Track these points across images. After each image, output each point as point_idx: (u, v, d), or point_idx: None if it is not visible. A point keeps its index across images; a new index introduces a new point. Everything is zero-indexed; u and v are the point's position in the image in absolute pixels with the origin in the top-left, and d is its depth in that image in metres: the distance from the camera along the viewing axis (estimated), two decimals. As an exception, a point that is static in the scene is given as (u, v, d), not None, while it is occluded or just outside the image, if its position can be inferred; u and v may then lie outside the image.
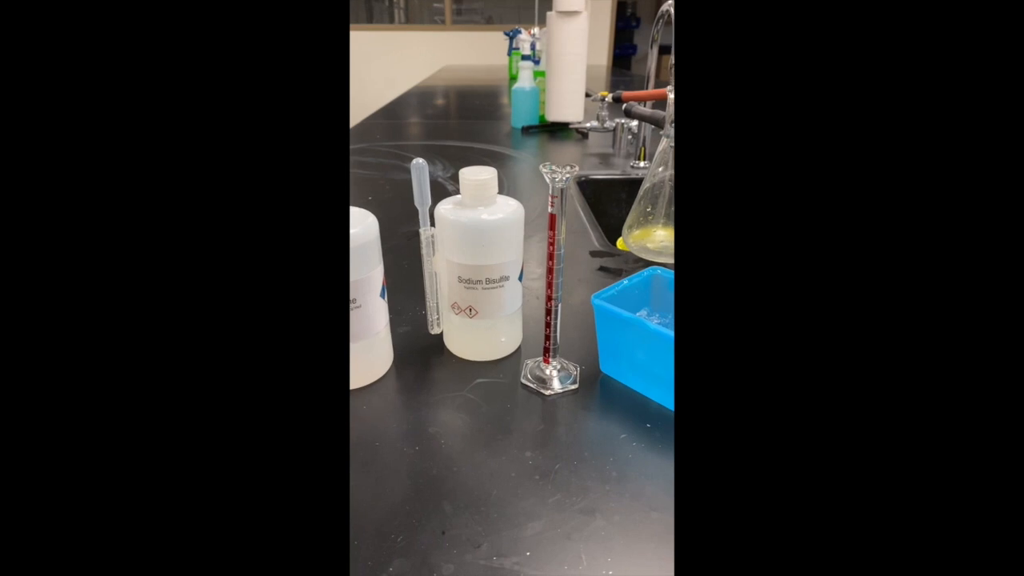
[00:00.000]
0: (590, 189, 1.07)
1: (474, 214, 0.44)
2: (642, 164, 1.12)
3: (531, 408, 0.45)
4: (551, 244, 0.42)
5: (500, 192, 0.47)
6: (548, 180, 0.40)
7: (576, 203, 0.94)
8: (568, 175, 0.39)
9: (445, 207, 0.45)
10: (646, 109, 0.93)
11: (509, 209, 0.45)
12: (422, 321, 0.55)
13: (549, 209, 0.41)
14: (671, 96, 0.62)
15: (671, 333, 0.42)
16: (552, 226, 0.42)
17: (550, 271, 0.43)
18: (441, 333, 0.52)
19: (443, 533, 0.34)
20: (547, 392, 0.46)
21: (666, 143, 0.65)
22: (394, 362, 0.50)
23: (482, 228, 0.44)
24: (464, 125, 1.59)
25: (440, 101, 1.93)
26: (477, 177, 0.44)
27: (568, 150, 1.29)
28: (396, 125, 1.59)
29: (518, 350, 0.52)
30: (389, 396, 0.46)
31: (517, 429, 0.43)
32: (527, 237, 0.57)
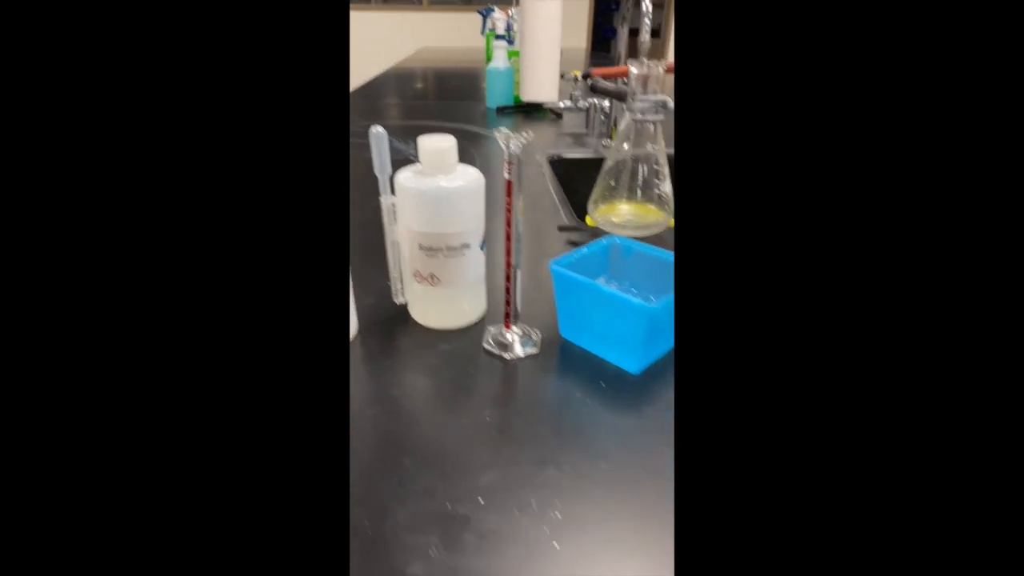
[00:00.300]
0: (562, 168, 1.08)
1: (433, 182, 0.45)
2: (613, 143, 1.13)
3: (492, 371, 0.46)
4: (508, 211, 0.43)
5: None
6: (503, 146, 0.41)
7: (548, 182, 0.95)
8: (522, 141, 0.40)
9: (404, 175, 0.46)
10: (611, 84, 0.94)
11: (469, 177, 0.46)
12: (387, 292, 0.56)
13: (505, 176, 0.42)
14: (633, 71, 0.63)
15: (624, 296, 0.43)
16: (509, 192, 0.43)
17: (508, 237, 0.44)
18: (406, 303, 0.53)
19: (400, 484, 0.35)
20: (508, 356, 0.47)
21: (629, 118, 0.67)
22: (359, 331, 0.51)
23: (441, 196, 0.45)
24: (441, 106, 1.58)
25: (419, 85, 1.91)
26: (436, 145, 0.45)
27: (542, 130, 1.30)
28: (372, 106, 1.58)
29: (483, 319, 0.53)
30: (353, 363, 0.47)
31: (477, 390, 0.44)
32: (498, 213, 0.58)
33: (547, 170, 1.01)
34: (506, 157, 0.41)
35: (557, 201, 0.86)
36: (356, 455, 0.37)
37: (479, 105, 1.55)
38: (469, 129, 1.29)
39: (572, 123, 1.35)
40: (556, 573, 0.30)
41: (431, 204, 0.45)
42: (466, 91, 1.82)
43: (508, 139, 0.40)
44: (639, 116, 0.64)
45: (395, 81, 1.96)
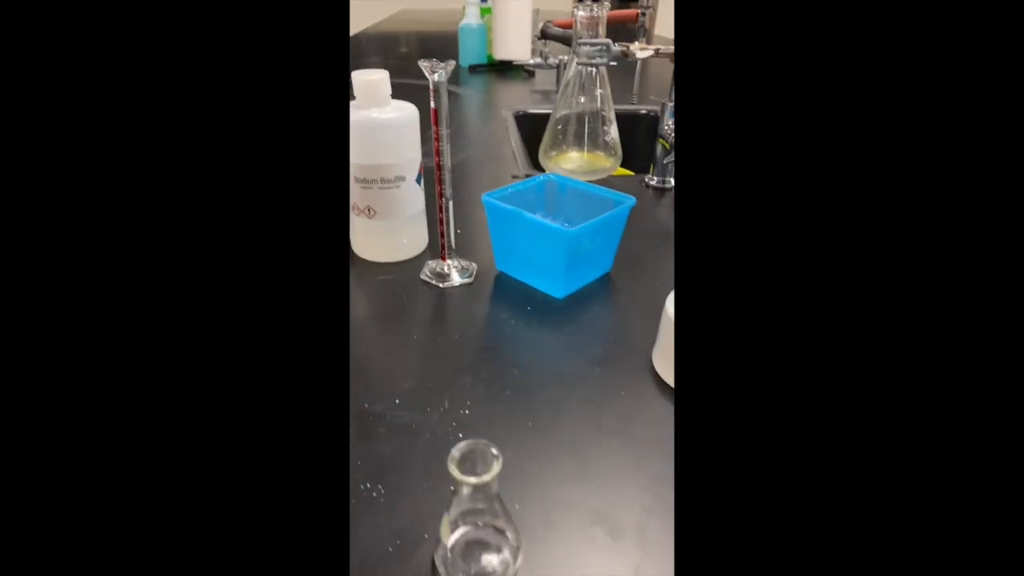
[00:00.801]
0: (527, 123, 1.08)
1: (366, 113, 0.46)
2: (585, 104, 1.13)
3: (426, 299, 0.48)
4: (436, 140, 0.45)
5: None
6: (427, 75, 0.42)
7: (511, 135, 0.95)
8: (444, 69, 0.42)
9: (339, 108, 0.47)
10: (558, 30, 0.94)
11: (402, 111, 0.47)
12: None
13: (431, 105, 0.44)
14: (579, 14, 0.63)
15: (545, 222, 0.45)
16: (435, 120, 0.44)
17: (438, 167, 0.46)
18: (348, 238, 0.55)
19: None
20: (443, 285, 0.50)
21: (574, 66, 0.67)
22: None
23: (374, 127, 0.46)
24: (414, 65, 1.57)
25: (401, 48, 1.89)
26: (368, 77, 0.46)
27: (512, 88, 1.29)
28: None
29: (423, 255, 0.55)
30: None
31: (409, 314, 0.46)
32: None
33: (512, 124, 1.02)
34: (431, 86, 0.43)
35: (516, 152, 0.87)
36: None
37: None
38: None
39: (544, 81, 1.35)
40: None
41: (364, 135, 0.46)
42: (445, 52, 1.80)
43: (433, 67, 0.42)
44: (584, 60, 0.65)
45: (377, 42, 1.93)
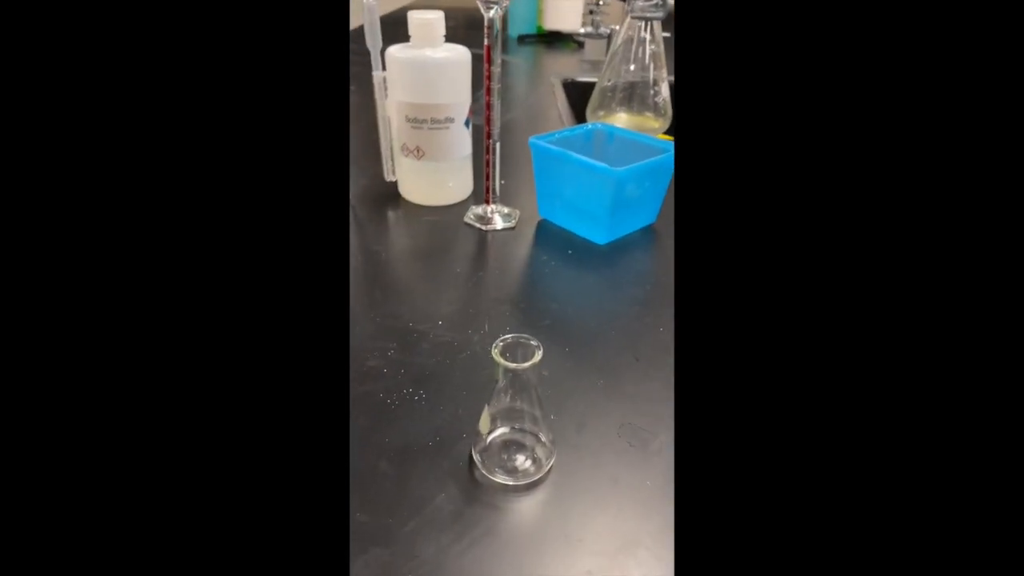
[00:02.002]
0: (575, 91, 1.07)
1: (420, 52, 0.47)
2: (636, 64, 1.11)
3: (469, 239, 0.49)
4: (487, 78, 0.45)
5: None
6: (483, 10, 0.43)
7: (558, 102, 0.95)
8: (498, 4, 0.42)
9: (395, 48, 0.48)
10: None
11: (455, 51, 0.48)
12: (381, 176, 0.59)
13: (485, 42, 0.44)
14: (636, -34, 0.62)
15: (591, 161, 0.45)
16: (487, 59, 0.45)
17: (488, 107, 0.47)
18: (396, 181, 0.56)
19: (371, 307, 0.39)
20: (485, 228, 0.51)
21: (627, 22, 0.66)
22: (351, 204, 0.54)
23: (427, 64, 0.47)
24: (463, 33, 1.57)
25: (448, 22, 1.89)
26: (424, 16, 0.47)
27: (561, 58, 1.28)
28: (396, 31, 1.58)
29: (468, 200, 0.56)
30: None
31: (452, 251, 0.48)
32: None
33: (559, 91, 1.01)
34: (485, 22, 0.43)
35: (562, 115, 0.87)
36: (336, 290, 0.42)
37: (502, 34, 1.53)
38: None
39: (593, 51, 1.33)
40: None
41: (417, 73, 0.48)
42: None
43: (488, 5, 0.42)
44: (638, 14, 0.64)
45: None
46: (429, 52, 0.47)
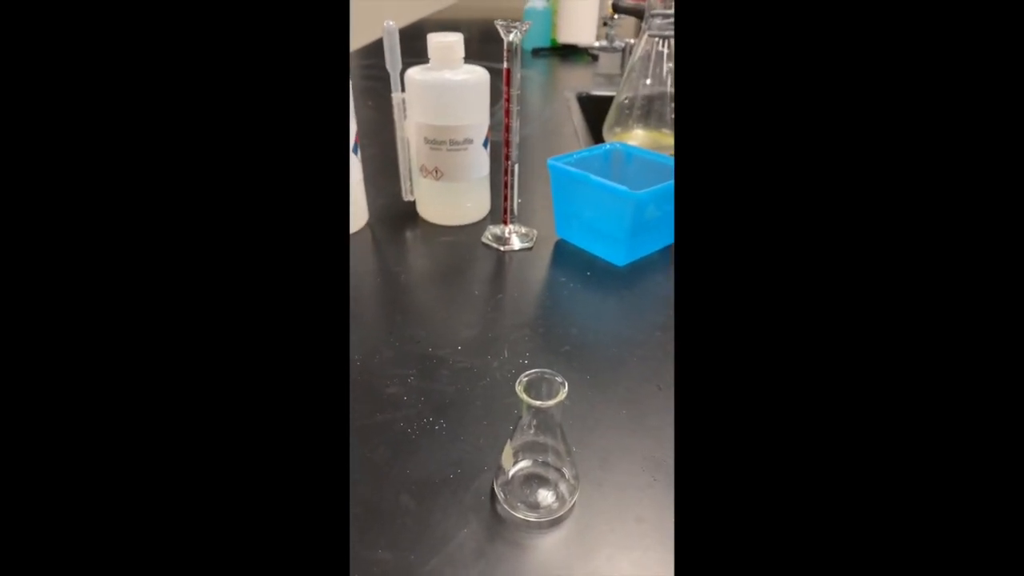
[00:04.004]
0: (590, 104, 1.07)
1: (439, 75, 0.47)
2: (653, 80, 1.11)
3: (487, 260, 0.49)
4: (506, 100, 0.45)
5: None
6: (503, 34, 0.43)
7: (573, 115, 0.95)
8: (518, 29, 0.42)
9: (414, 70, 0.49)
10: (631, 3, 0.93)
11: (473, 73, 0.48)
12: (399, 196, 0.59)
13: (504, 65, 0.44)
14: (654, -15, 0.62)
15: (611, 184, 0.45)
16: (507, 81, 0.45)
17: (506, 128, 0.47)
18: (414, 201, 0.56)
19: (391, 334, 0.39)
20: (503, 248, 0.50)
21: (646, 38, 0.66)
22: (370, 223, 0.55)
23: (446, 87, 0.47)
24: (477, 47, 1.58)
25: (463, 33, 1.92)
26: (443, 39, 0.47)
27: (576, 71, 1.28)
28: (411, 46, 1.59)
29: (485, 219, 0.56)
30: (361, 247, 0.51)
31: (470, 272, 0.47)
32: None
33: (574, 105, 1.01)
34: (505, 45, 0.43)
35: (578, 131, 0.87)
36: (354, 314, 0.42)
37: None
38: (501, 68, 1.30)
39: (608, 65, 1.33)
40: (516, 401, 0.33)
41: (436, 95, 0.48)
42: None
43: (508, 27, 0.42)
44: (656, 32, 0.64)
45: (439, 29, 1.97)
46: (448, 75, 0.47)
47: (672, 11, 0.63)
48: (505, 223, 0.51)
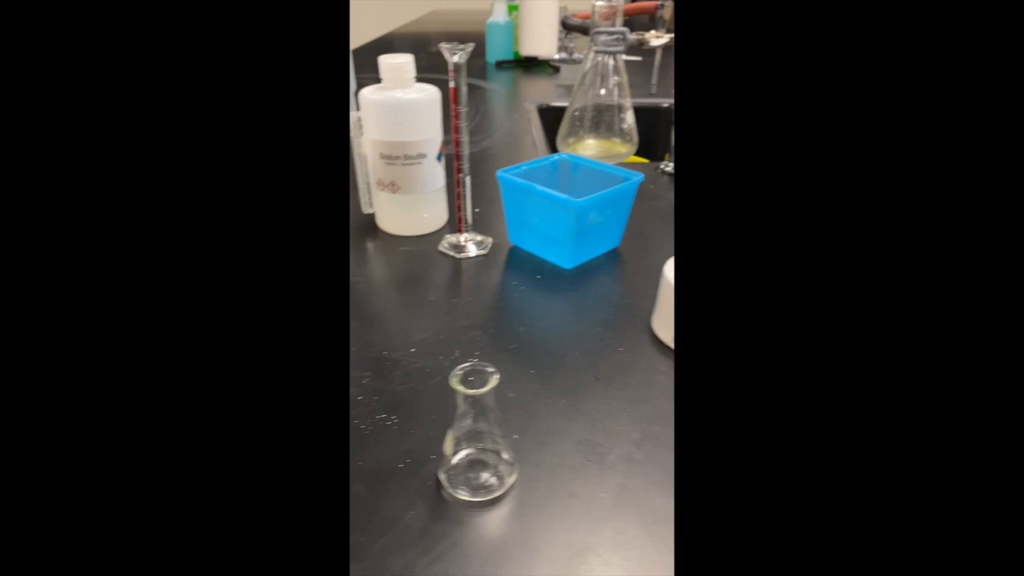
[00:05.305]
0: (550, 116, 1.11)
1: (391, 94, 0.50)
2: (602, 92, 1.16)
3: (442, 267, 0.52)
4: (455, 118, 0.48)
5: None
6: (447, 56, 0.46)
7: (532, 127, 0.99)
8: (462, 51, 0.45)
9: (368, 90, 0.51)
10: (577, 20, 0.97)
11: (424, 92, 0.51)
12: (358, 207, 0.61)
13: (450, 84, 0.47)
14: (597, 4, 0.66)
15: (554, 194, 0.48)
16: (454, 100, 0.48)
17: (456, 144, 0.49)
18: (373, 213, 0.59)
19: (348, 340, 0.41)
20: (459, 256, 0.53)
21: (592, 54, 0.70)
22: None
23: (398, 106, 0.50)
24: (442, 61, 1.61)
25: (431, 47, 1.94)
26: (394, 61, 0.50)
27: (537, 83, 1.32)
28: (371, 61, 1.62)
29: (443, 229, 0.59)
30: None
31: (426, 279, 0.50)
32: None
33: (534, 116, 1.05)
34: (450, 67, 0.46)
35: (536, 141, 0.90)
36: (316, 321, 0.44)
37: (479, 60, 1.58)
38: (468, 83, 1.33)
39: (568, 76, 1.37)
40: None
41: (389, 114, 0.50)
42: (474, 49, 1.85)
43: (452, 49, 0.45)
44: (601, 48, 0.68)
45: (408, 41, 1.99)
46: (400, 94, 0.50)
47: (615, 28, 0.67)
48: (460, 231, 0.54)
